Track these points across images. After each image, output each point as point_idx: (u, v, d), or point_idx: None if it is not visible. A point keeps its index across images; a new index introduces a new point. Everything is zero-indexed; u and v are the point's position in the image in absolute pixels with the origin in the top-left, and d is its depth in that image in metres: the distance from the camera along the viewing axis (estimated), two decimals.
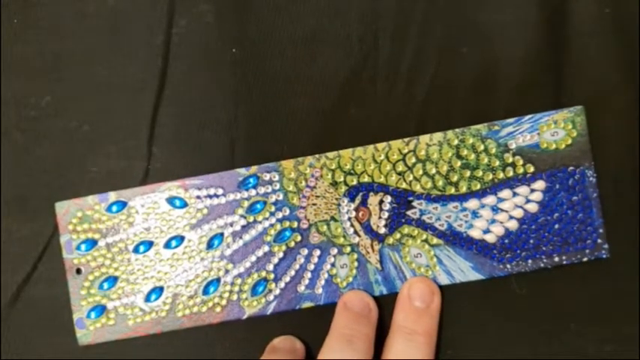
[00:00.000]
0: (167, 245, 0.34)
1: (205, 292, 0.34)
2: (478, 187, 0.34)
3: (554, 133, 0.33)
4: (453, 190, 0.34)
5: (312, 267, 0.34)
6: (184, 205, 0.34)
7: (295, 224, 0.34)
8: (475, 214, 0.34)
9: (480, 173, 0.34)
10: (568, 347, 0.34)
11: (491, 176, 0.34)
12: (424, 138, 0.34)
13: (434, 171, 0.34)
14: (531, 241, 0.33)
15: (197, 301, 0.34)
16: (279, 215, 0.34)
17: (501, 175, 0.34)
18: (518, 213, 0.34)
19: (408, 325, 0.32)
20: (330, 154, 0.34)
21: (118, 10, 0.36)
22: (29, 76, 0.36)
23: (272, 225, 0.34)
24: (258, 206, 0.34)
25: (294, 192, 0.34)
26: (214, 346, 0.35)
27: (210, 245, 0.34)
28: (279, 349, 0.34)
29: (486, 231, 0.34)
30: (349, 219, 0.34)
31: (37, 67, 0.36)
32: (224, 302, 0.34)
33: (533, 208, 0.33)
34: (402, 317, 0.33)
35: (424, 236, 0.34)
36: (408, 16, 0.35)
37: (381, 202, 0.34)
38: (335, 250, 0.34)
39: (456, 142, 0.34)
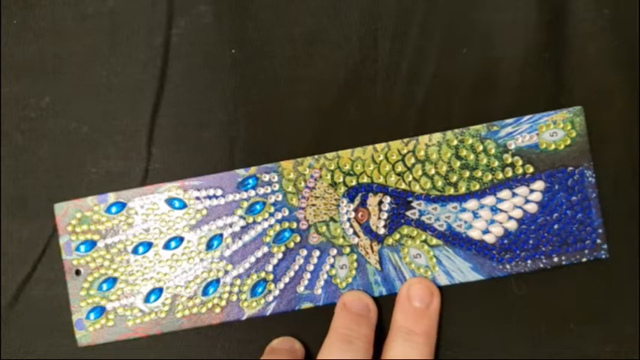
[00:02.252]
0: (166, 246, 0.34)
1: (205, 292, 0.34)
2: (477, 187, 0.34)
3: (553, 134, 0.33)
4: (452, 191, 0.34)
5: (311, 268, 0.34)
6: (183, 206, 0.34)
7: (294, 225, 0.34)
8: (474, 215, 0.34)
9: (479, 174, 0.34)
10: (568, 347, 0.34)
11: (490, 177, 0.34)
12: (423, 138, 0.34)
13: (433, 171, 0.34)
14: (530, 241, 0.33)
15: (196, 302, 0.34)
16: (279, 216, 0.34)
17: (500, 176, 0.34)
18: (518, 213, 0.34)
19: (407, 326, 0.32)
20: (329, 155, 0.34)
21: (117, 11, 0.36)
22: (29, 76, 0.36)
23: (271, 226, 0.34)
24: (258, 207, 0.34)
25: (294, 193, 0.34)
26: (214, 347, 0.35)
27: (209, 246, 0.34)
28: (277, 350, 0.34)
29: (486, 231, 0.34)
30: (348, 220, 0.34)
31: (36, 67, 0.36)
32: (223, 303, 0.34)
33: (532, 208, 0.33)
34: (401, 318, 0.33)
35: (423, 237, 0.34)
36: (408, 16, 0.35)
37: (381, 202, 0.34)
38: (334, 251, 0.34)
39: (455, 142, 0.34)
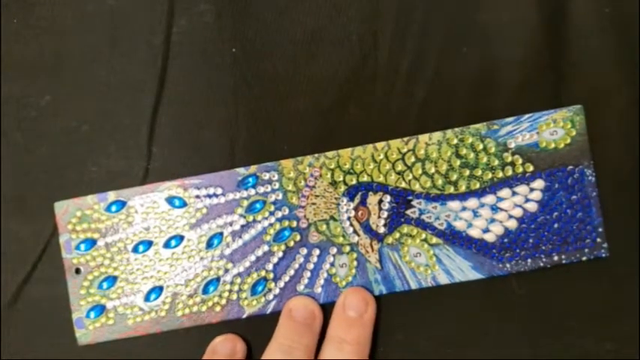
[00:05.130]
0: (166, 245, 0.34)
1: (205, 291, 0.34)
2: (477, 186, 0.34)
3: (554, 132, 0.33)
4: (452, 190, 0.34)
5: (311, 266, 0.34)
6: (184, 204, 0.34)
7: (294, 224, 0.34)
8: (474, 214, 0.34)
9: (479, 172, 0.34)
10: (568, 347, 0.34)
11: (490, 175, 0.34)
12: (423, 137, 0.34)
13: (433, 170, 0.34)
14: (531, 240, 0.33)
15: (197, 301, 0.34)
16: (279, 215, 0.34)
17: (500, 175, 0.34)
18: (518, 212, 0.34)
19: (338, 334, 0.33)
20: (330, 154, 0.34)
21: (117, 10, 0.36)
22: (29, 76, 0.36)
23: (271, 224, 0.34)
24: (258, 206, 0.34)
25: (294, 191, 0.34)
26: None
27: (209, 245, 0.34)
28: (218, 352, 0.34)
29: (486, 230, 0.34)
30: (348, 218, 0.34)
31: (36, 67, 0.36)
32: (224, 301, 0.34)
33: (532, 207, 0.33)
34: (335, 326, 0.33)
35: (423, 235, 0.34)
36: (408, 15, 0.35)
37: (381, 201, 0.34)
38: (334, 250, 0.34)
39: (455, 141, 0.34)
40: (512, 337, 0.34)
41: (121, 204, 0.35)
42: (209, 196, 0.34)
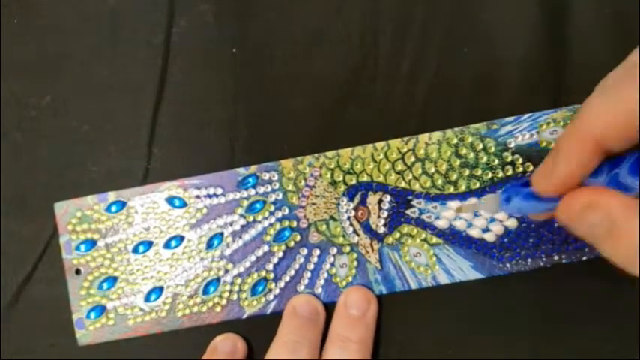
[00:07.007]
0: (167, 245, 0.34)
1: (205, 291, 0.34)
2: (477, 185, 0.34)
3: (554, 132, 0.33)
4: (452, 189, 0.34)
5: (311, 266, 0.34)
6: (184, 204, 0.34)
7: (295, 224, 0.34)
8: (474, 213, 0.34)
9: (479, 172, 0.34)
10: (568, 347, 0.34)
11: (490, 175, 0.34)
12: (423, 137, 0.34)
13: (433, 170, 0.34)
14: (531, 239, 0.33)
15: (197, 301, 0.34)
16: (279, 215, 0.34)
17: (500, 174, 0.34)
18: None
19: (342, 333, 0.33)
20: (329, 154, 0.34)
21: (118, 10, 0.36)
22: (29, 76, 0.36)
23: (271, 224, 0.34)
24: (258, 206, 0.34)
25: (294, 191, 0.34)
26: None
27: (209, 245, 0.34)
28: (219, 351, 0.34)
29: (486, 230, 0.34)
30: (348, 218, 0.34)
31: (37, 67, 0.36)
32: (224, 302, 0.34)
33: None
34: (338, 325, 0.33)
35: (423, 235, 0.34)
36: (409, 15, 0.35)
37: (381, 201, 0.34)
38: (334, 250, 0.34)
39: (455, 141, 0.34)
40: (513, 337, 0.34)
41: (121, 204, 0.35)
42: (209, 196, 0.34)
